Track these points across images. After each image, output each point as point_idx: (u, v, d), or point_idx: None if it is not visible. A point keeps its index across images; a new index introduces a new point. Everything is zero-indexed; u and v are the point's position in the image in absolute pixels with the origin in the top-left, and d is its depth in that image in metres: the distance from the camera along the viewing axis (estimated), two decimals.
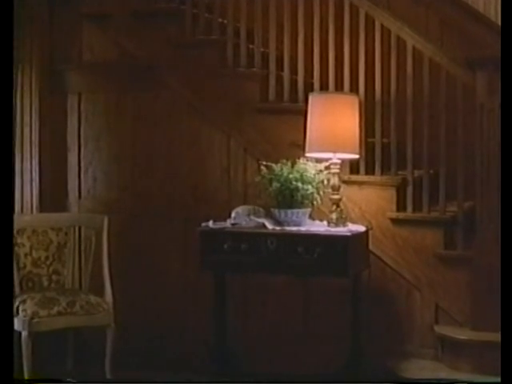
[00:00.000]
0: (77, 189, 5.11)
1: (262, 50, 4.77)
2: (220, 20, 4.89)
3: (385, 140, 4.59)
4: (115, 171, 5.05)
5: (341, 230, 4.15)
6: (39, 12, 5.02)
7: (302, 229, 4.15)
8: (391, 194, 4.54)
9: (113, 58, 5.02)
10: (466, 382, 4.12)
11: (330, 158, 4.25)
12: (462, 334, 4.35)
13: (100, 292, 4.71)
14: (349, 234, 4.11)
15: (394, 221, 4.53)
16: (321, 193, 4.21)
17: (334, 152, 4.24)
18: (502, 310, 3.26)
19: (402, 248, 4.52)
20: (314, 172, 4.20)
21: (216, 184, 4.84)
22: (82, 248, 4.98)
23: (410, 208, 4.53)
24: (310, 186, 4.16)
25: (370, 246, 4.42)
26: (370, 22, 4.55)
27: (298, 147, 4.47)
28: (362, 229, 4.30)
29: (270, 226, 4.18)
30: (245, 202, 4.58)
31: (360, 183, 4.57)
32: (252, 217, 4.28)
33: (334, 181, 4.25)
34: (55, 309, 4.51)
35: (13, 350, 3.44)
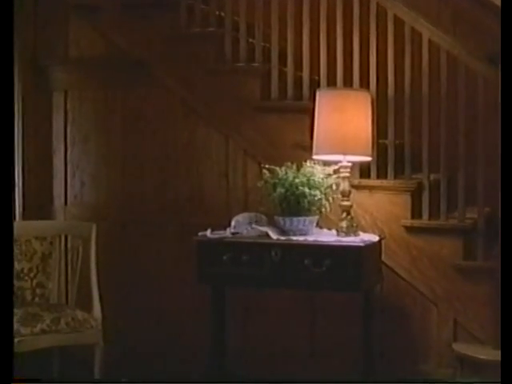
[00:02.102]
0: (63, 194, 5.04)
1: (263, 43, 4.64)
2: (217, 12, 4.78)
3: (398, 141, 4.45)
4: (104, 175, 4.97)
5: (353, 240, 3.97)
6: (22, 3, 4.89)
7: (310, 238, 3.97)
8: (405, 199, 4.40)
9: (101, 52, 4.94)
10: (466, 382, 4.11)
11: (340, 161, 4.08)
12: (484, 353, 4.20)
13: (87, 307, 4.56)
14: (362, 244, 3.92)
15: (409, 229, 4.39)
16: (330, 199, 4.04)
17: (344, 154, 4.06)
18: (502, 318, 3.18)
19: (416, 258, 4.37)
20: (321, 176, 4.03)
21: (214, 189, 4.73)
22: (69, 259, 4.83)
23: (425, 215, 4.39)
24: (317, 192, 3.98)
25: (382, 257, 4.28)
26: (381, 12, 4.40)
27: (302, 149, 4.36)
28: (376, 238, 4.12)
29: (273, 235, 4.01)
30: (245, 209, 4.42)
31: (371, 188, 4.44)
32: (254, 225, 4.12)
33: (344, 186, 4.08)
34: (38, 326, 4.32)
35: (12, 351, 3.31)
